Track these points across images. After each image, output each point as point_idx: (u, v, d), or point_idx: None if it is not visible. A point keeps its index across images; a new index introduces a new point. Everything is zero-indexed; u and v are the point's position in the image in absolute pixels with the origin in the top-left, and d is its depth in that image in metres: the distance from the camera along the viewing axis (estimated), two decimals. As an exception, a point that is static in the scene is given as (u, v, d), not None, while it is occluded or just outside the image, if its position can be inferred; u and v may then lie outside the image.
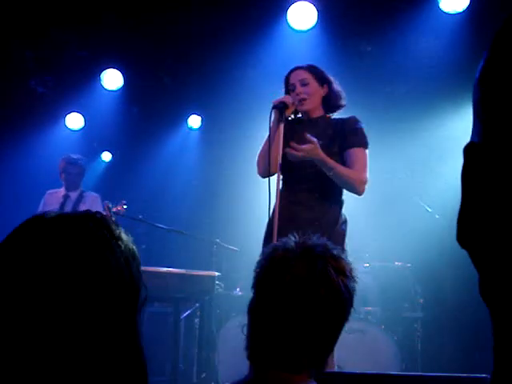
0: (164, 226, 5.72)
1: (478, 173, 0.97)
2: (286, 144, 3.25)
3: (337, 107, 3.44)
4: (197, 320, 5.34)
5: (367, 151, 3.32)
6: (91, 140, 7.11)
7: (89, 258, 1.07)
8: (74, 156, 5.73)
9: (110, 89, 6.47)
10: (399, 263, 5.52)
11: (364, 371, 2.69)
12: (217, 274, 5.00)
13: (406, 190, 5.80)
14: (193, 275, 4.77)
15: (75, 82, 6.51)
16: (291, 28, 5.44)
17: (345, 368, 4.64)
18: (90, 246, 1.08)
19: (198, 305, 5.31)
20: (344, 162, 3.26)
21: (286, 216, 3.14)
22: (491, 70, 1.00)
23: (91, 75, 6.43)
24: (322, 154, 3.13)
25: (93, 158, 7.14)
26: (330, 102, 3.42)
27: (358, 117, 3.41)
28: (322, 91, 3.39)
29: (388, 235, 5.81)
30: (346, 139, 3.29)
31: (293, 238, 1.47)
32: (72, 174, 5.68)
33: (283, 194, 3.22)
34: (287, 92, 3.41)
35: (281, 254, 1.44)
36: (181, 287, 4.69)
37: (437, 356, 5.53)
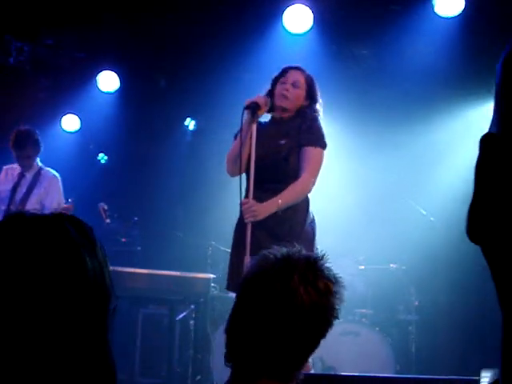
0: (159, 229, 5.72)
1: (494, 165, 0.95)
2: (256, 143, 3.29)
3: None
4: (192, 322, 5.34)
5: (321, 150, 3.32)
6: (87, 142, 7.10)
7: (67, 262, 1.07)
8: (23, 133, 5.01)
9: (106, 91, 6.47)
10: (394, 265, 5.53)
11: (358, 373, 2.71)
12: (212, 276, 5.01)
13: (400, 193, 5.82)
14: (188, 277, 4.79)
15: (71, 84, 6.51)
16: (287, 31, 5.45)
17: (339, 370, 4.66)
18: (69, 249, 1.08)
19: (193, 307, 5.32)
20: (299, 160, 3.28)
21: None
22: None
23: (87, 77, 6.43)
24: (264, 212, 3.18)
25: (89, 160, 7.13)
26: (304, 114, 3.41)
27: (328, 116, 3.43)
28: (304, 102, 3.40)
29: (383, 238, 5.82)
30: (302, 136, 3.30)
31: (275, 251, 1.47)
32: (20, 157, 5.05)
33: (253, 194, 3.24)
34: (276, 80, 3.42)
35: (266, 267, 1.43)
36: (176, 289, 4.70)
37: (431, 358, 5.54)
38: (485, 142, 1.00)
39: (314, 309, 1.38)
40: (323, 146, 3.32)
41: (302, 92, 3.38)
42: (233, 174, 3.37)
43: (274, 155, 3.30)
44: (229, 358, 1.43)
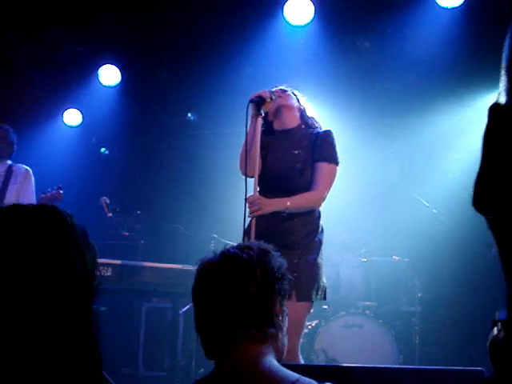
0: (162, 222, 5.72)
1: (502, 134, 0.94)
2: (263, 155, 3.28)
3: (312, 126, 3.45)
4: (195, 315, 5.35)
5: (335, 166, 3.33)
6: (89, 136, 7.11)
7: (38, 248, 1.10)
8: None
9: (107, 85, 6.47)
10: (397, 258, 5.53)
11: (362, 364, 2.71)
12: (215, 269, 5.00)
13: (403, 185, 5.81)
14: (191, 270, 4.78)
15: (73, 78, 6.50)
16: (288, 23, 5.44)
17: (343, 362, 4.67)
18: (41, 236, 1.11)
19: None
20: (311, 175, 3.29)
21: (264, 225, 3.15)
22: None
23: (89, 71, 6.43)
24: (269, 206, 3.15)
25: (91, 154, 7.14)
26: (306, 116, 3.45)
27: (335, 128, 3.45)
28: (298, 106, 3.43)
29: (386, 230, 5.83)
30: (316, 151, 3.31)
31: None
32: None
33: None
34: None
35: (206, 266, 1.78)
36: (179, 282, 4.71)
37: (434, 349, 5.55)
38: (493, 111, 0.99)
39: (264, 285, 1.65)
40: (337, 162, 3.34)
41: (291, 97, 3.43)
42: (248, 175, 3.30)
43: (289, 168, 3.29)
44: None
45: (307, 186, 3.27)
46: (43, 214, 1.15)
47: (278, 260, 1.70)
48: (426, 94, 5.84)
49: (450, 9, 5.12)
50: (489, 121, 0.97)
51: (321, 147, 3.31)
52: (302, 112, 3.45)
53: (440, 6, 5.13)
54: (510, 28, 1.02)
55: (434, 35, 5.38)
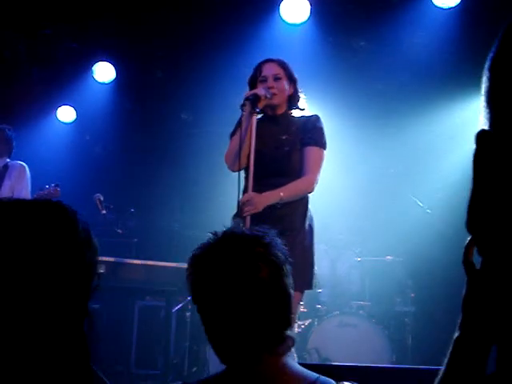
0: (156, 220, 5.71)
1: (490, 161, 0.99)
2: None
3: (298, 108, 3.44)
4: (188, 313, 5.35)
5: (323, 151, 3.34)
6: (83, 133, 7.08)
7: (42, 244, 1.08)
8: None
9: (102, 81, 6.45)
10: (391, 257, 5.54)
11: (355, 364, 2.71)
12: (208, 267, 4.99)
13: (397, 185, 5.82)
14: (184, 269, 4.75)
15: (67, 75, 6.48)
16: (284, 22, 5.44)
17: (336, 361, 4.67)
18: (41, 232, 1.10)
19: (189, 298, 5.32)
20: (301, 159, 3.28)
21: (254, 213, 3.14)
22: (504, 56, 1.01)
23: (83, 68, 6.40)
24: (264, 202, 3.14)
25: (85, 151, 7.12)
26: (294, 101, 3.42)
27: (324, 114, 3.43)
28: (289, 89, 3.40)
29: (379, 230, 5.83)
30: (305, 136, 3.31)
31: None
32: None
33: (253, 189, 3.21)
34: (254, 80, 3.40)
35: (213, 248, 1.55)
36: (172, 281, 4.70)
37: (427, 349, 5.56)
38: (480, 138, 1.03)
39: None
40: (325, 146, 3.35)
41: (284, 82, 3.37)
42: (234, 169, 3.33)
43: (276, 150, 3.29)
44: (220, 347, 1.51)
45: (295, 169, 3.28)
46: (46, 210, 1.13)
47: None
48: (421, 93, 5.85)
49: (446, 9, 5.12)
50: (476, 148, 1.02)
51: (311, 131, 3.31)
52: (291, 97, 3.42)
53: (436, 6, 5.13)
54: (488, 59, 1.03)
55: (430, 35, 5.38)
